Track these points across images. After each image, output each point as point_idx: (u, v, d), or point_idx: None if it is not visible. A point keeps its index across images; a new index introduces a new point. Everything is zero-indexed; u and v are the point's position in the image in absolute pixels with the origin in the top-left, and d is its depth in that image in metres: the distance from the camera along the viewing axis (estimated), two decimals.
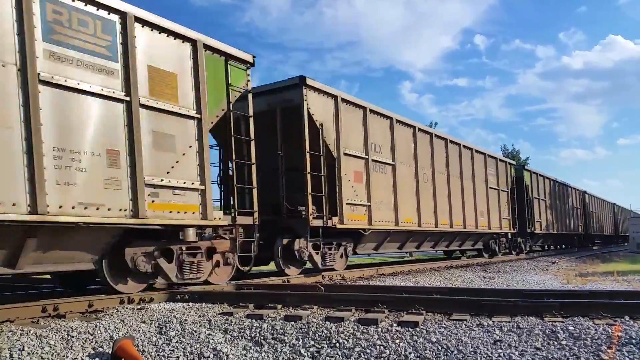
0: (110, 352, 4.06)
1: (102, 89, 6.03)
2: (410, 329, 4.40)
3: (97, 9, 6.07)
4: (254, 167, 8.23)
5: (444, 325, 4.45)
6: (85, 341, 4.39)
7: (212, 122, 7.53)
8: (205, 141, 7.31)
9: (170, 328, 4.81)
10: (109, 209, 6.00)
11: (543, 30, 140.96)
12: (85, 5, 5.95)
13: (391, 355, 3.88)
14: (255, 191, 8.26)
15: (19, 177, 5.22)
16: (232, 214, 7.90)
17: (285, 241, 9.47)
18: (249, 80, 8.25)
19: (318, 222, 9.57)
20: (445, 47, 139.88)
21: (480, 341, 3.98)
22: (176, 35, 7.04)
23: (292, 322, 4.83)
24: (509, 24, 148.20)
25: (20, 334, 4.43)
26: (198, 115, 7.22)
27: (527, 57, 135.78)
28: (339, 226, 9.97)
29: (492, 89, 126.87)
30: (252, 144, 8.24)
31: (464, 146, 15.81)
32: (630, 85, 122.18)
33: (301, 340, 4.34)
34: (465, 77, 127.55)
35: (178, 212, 6.86)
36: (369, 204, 10.90)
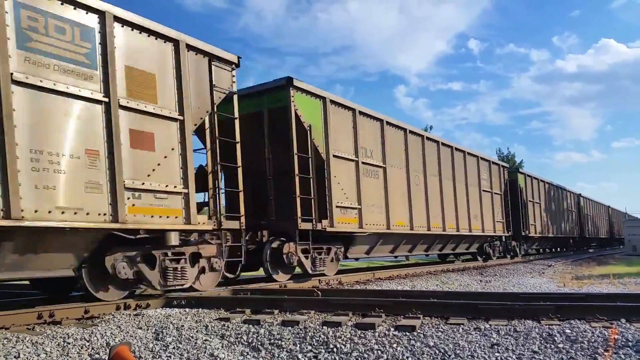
0: (106, 358, 4.04)
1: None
2: (407, 333, 4.39)
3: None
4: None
5: (441, 330, 4.45)
6: (82, 347, 4.37)
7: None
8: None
9: (166, 334, 4.80)
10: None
11: (537, 34, 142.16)
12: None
13: None
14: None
15: None
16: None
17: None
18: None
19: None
20: (439, 51, 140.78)
21: (477, 345, 3.98)
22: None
23: (290, 327, 4.82)
24: (502, 28, 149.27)
25: (16, 341, 4.40)
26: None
27: (521, 61, 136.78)
28: None
29: (487, 93, 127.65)
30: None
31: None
32: (624, 88, 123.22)
33: (298, 346, 4.33)
34: (460, 81, 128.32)
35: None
36: None
